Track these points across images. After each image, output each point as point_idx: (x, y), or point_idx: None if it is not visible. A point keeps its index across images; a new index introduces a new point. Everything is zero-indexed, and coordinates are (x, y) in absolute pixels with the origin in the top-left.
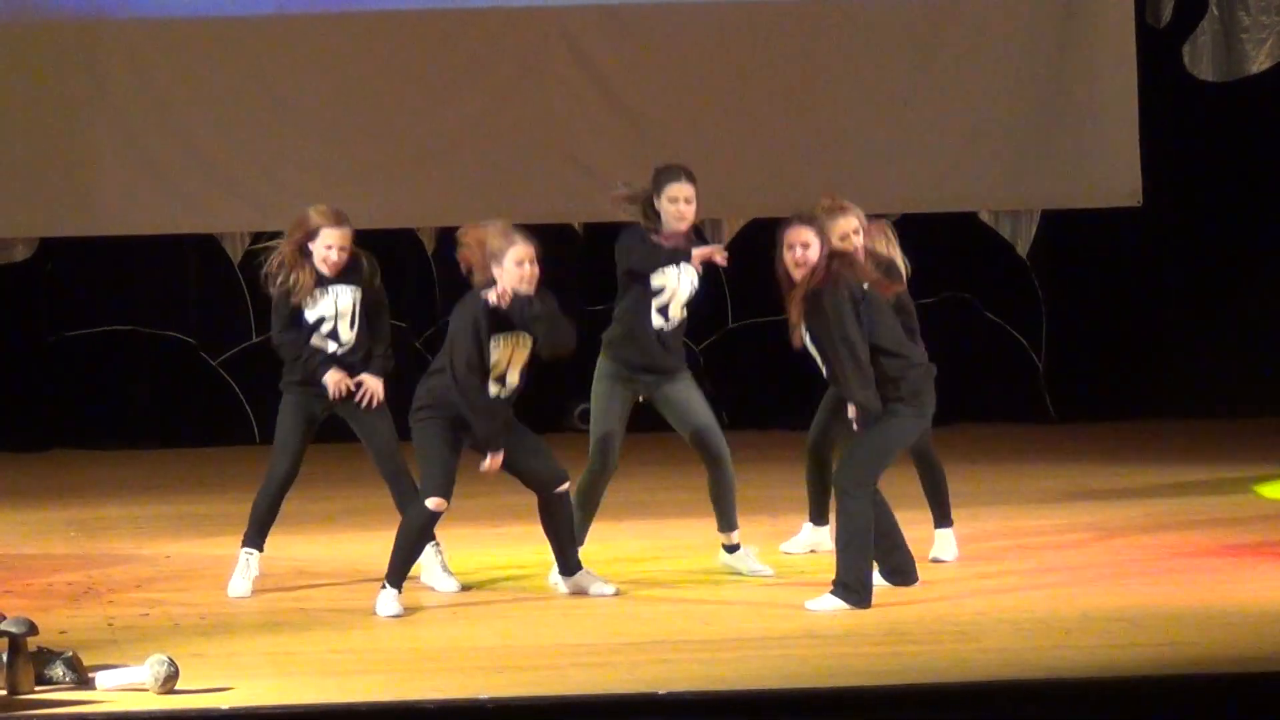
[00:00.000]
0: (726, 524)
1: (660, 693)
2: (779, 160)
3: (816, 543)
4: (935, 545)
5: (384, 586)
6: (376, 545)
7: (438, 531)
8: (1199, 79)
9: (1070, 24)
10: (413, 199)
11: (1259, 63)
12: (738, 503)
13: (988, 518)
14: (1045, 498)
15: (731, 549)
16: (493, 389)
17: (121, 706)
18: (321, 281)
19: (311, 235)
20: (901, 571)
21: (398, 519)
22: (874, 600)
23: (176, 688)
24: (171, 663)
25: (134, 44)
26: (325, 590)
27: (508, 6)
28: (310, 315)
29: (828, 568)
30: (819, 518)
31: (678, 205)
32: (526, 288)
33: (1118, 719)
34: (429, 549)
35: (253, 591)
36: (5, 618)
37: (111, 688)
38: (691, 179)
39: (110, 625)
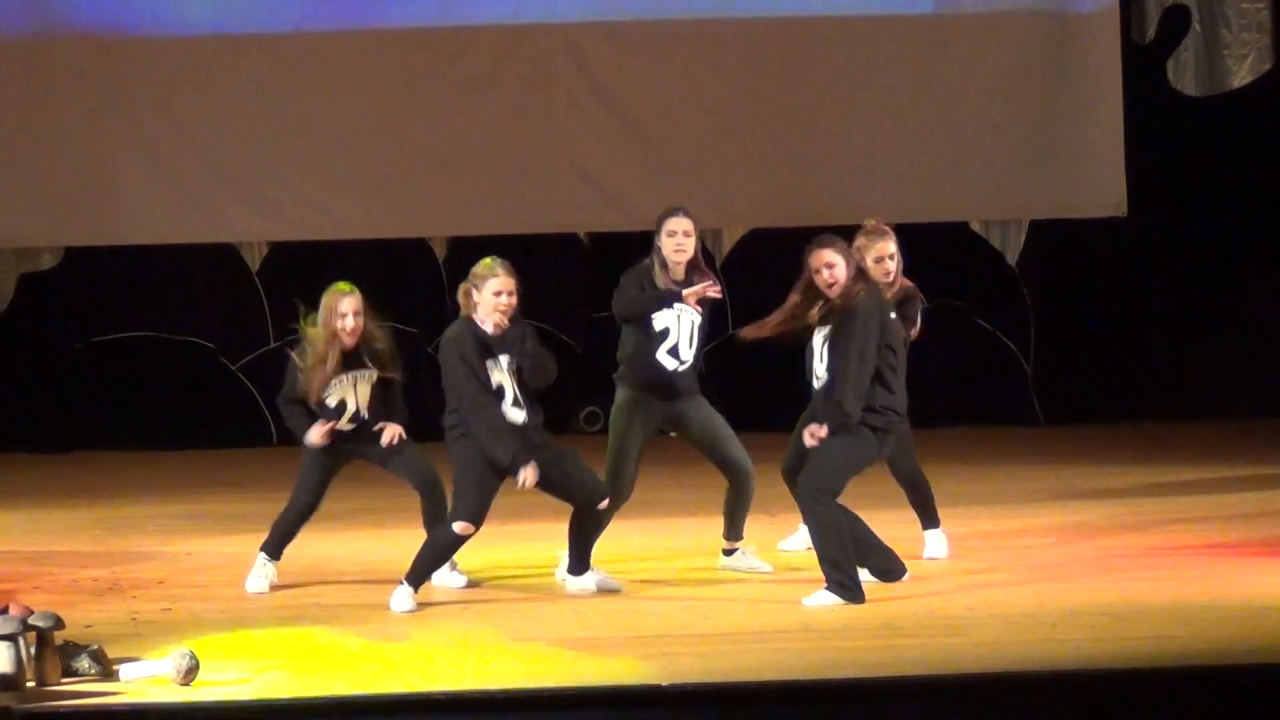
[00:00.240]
0: (734, 534)
1: (663, 685)
2: (778, 172)
3: None
4: (927, 546)
5: (401, 583)
6: (390, 544)
7: None
8: (1182, 94)
9: (1059, 41)
10: (424, 209)
11: (1240, 78)
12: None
13: (977, 517)
14: (1033, 497)
15: (729, 552)
16: (512, 415)
17: (144, 698)
18: (341, 365)
19: (334, 312)
20: (886, 569)
21: (412, 519)
22: (867, 596)
23: (197, 680)
24: (193, 656)
25: (155, 60)
26: (340, 587)
27: (515, 24)
28: (331, 400)
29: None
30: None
31: (676, 239)
32: (499, 318)
33: (1104, 710)
34: None
35: (270, 588)
36: (33, 612)
37: (135, 679)
38: (688, 215)
39: (134, 620)
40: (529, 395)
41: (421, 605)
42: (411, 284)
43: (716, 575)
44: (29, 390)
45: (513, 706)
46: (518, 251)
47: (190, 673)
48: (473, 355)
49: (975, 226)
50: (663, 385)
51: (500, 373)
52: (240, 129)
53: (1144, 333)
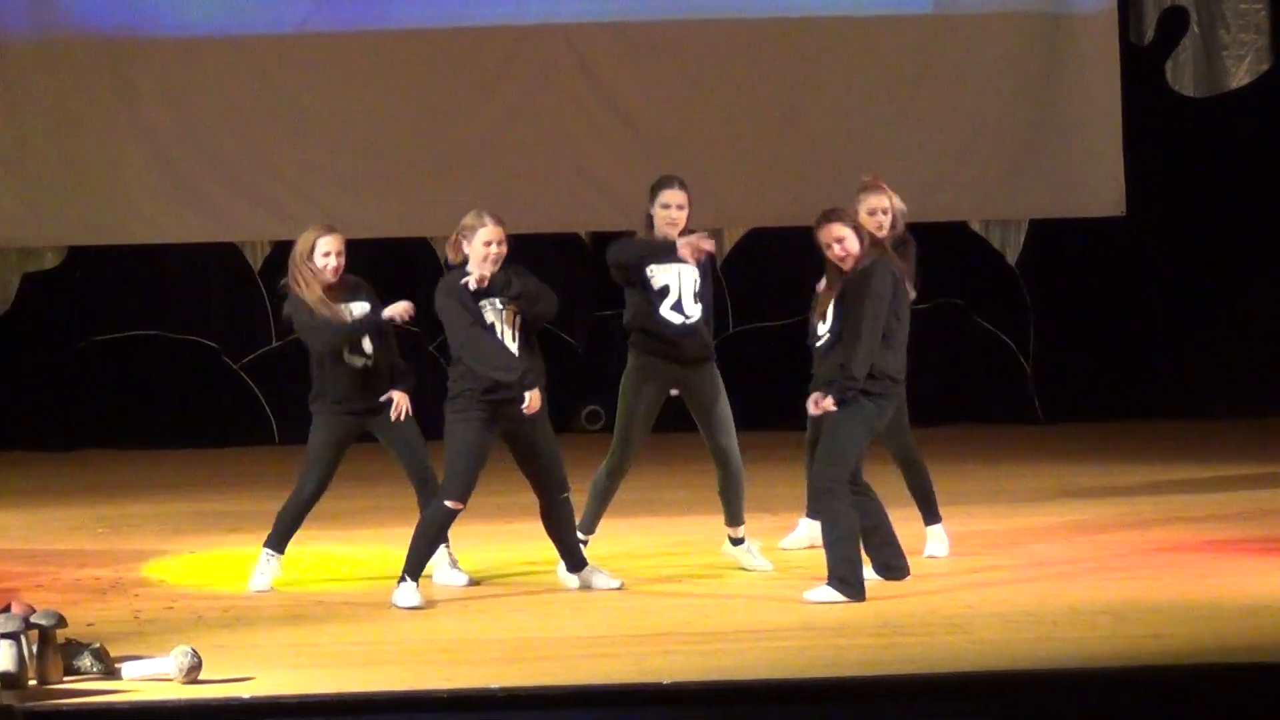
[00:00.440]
0: (733, 520)
1: (664, 682)
2: (778, 172)
3: (815, 538)
4: (928, 543)
5: (402, 579)
6: (393, 542)
7: None
8: (1181, 94)
9: (1058, 42)
10: (427, 209)
11: (1238, 78)
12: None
13: (978, 515)
14: (1033, 496)
15: (737, 541)
16: None
17: (147, 696)
18: (332, 296)
19: (309, 250)
20: (892, 567)
21: (414, 518)
22: (867, 594)
23: (200, 678)
24: (195, 654)
25: (161, 61)
26: (343, 585)
27: (519, 25)
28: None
29: (824, 563)
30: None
31: (669, 211)
32: (491, 267)
33: (1103, 708)
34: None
35: (273, 587)
36: (35, 610)
37: (137, 678)
38: (684, 187)
39: (136, 618)
40: (529, 346)
41: (425, 603)
42: (414, 284)
43: (716, 573)
44: (32, 389)
45: (513, 706)
46: (520, 251)
47: (193, 671)
48: (467, 297)
49: (975, 226)
50: (670, 343)
51: (494, 314)
52: (242, 129)
53: (1143, 332)
